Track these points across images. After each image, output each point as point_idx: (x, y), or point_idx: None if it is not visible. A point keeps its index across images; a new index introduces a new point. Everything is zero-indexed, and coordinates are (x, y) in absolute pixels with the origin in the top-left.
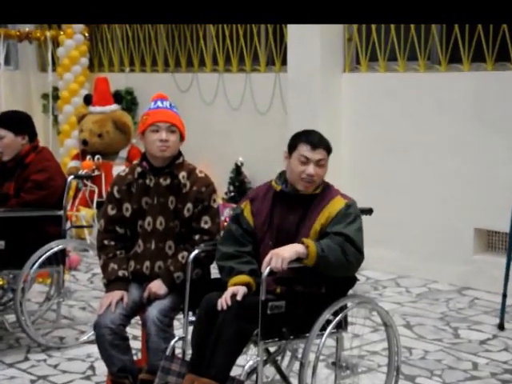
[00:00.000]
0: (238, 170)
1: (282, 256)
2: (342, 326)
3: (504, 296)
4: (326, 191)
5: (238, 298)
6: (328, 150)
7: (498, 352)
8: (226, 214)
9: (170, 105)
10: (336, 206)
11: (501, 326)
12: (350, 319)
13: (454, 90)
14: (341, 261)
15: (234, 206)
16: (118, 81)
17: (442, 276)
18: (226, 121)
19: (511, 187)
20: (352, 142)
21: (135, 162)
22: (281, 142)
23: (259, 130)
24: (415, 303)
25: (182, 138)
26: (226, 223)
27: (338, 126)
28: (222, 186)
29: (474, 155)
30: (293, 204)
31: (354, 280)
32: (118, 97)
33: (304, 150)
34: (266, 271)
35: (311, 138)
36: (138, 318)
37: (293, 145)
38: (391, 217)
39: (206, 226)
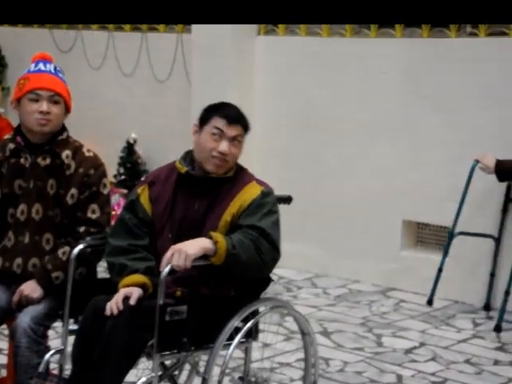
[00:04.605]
0: (129, 148)
1: (185, 252)
2: (253, 334)
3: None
4: (238, 175)
5: (132, 301)
6: (246, 127)
7: (424, 362)
8: (115, 200)
9: (55, 68)
10: (250, 193)
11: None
12: (261, 326)
13: (385, 59)
14: (254, 260)
15: (125, 191)
16: None
17: (365, 275)
18: (116, 89)
19: (446, 173)
20: (266, 118)
21: (7, 136)
22: (182, 115)
23: (156, 101)
24: (333, 306)
25: (67, 109)
26: (113, 212)
27: (251, 97)
28: (110, 168)
29: (405, 135)
30: (199, 189)
31: (268, 281)
32: None
33: (219, 123)
34: (165, 270)
35: (229, 112)
36: (3, 327)
37: (206, 118)
38: (308, 206)
39: (94, 216)
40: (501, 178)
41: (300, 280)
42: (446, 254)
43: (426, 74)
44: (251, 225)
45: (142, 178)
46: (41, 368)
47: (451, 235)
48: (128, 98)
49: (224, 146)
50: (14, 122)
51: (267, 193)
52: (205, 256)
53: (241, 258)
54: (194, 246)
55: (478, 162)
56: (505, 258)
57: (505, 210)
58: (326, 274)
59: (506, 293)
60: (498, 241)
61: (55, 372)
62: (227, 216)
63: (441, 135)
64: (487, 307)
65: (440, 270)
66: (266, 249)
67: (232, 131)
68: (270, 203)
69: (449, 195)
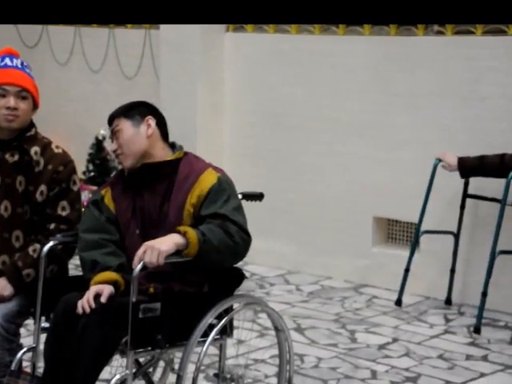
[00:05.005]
0: (98, 145)
1: (158, 249)
2: (227, 331)
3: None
4: (189, 161)
5: (103, 299)
6: (125, 115)
7: (398, 358)
8: (84, 197)
9: (22, 64)
10: (207, 181)
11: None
12: (235, 323)
13: (353, 56)
14: (226, 243)
15: (94, 188)
16: None
17: (337, 271)
18: (84, 85)
19: (415, 171)
20: (236, 115)
21: None
22: None
23: (125, 97)
24: (307, 303)
25: (35, 105)
26: (83, 209)
27: (220, 95)
28: (79, 165)
29: (375, 133)
30: (151, 182)
31: (241, 277)
32: None
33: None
34: (138, 267)
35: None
36: None
37: None
38: (279, 203)
39: (64, 213)
40: (463, 175)
41: (272, 277)
42: (412, 252)
43: (394, 71)
44: (213, 213)
45: (112, 175)
46: (13, 366)
47: (417, 233)
48: (96, 94)
49: (113, 145)
50: None
51: (224, 179)
52: (178, 252)
53: (212, 243)
54: (167, 243)
55: (439, 160)
56: (463, 254)
57: (463, 206)
58: (298, 271)
59: (483, 294)
60: (457, 237)
61: (28, 370)
62: (189, 207)
63: (410, 133)
64: (448, 302)
65: (407, 271)
66: (235, 231)
67: (114, 129)
68: (228, 189)
69: (418, 192)
